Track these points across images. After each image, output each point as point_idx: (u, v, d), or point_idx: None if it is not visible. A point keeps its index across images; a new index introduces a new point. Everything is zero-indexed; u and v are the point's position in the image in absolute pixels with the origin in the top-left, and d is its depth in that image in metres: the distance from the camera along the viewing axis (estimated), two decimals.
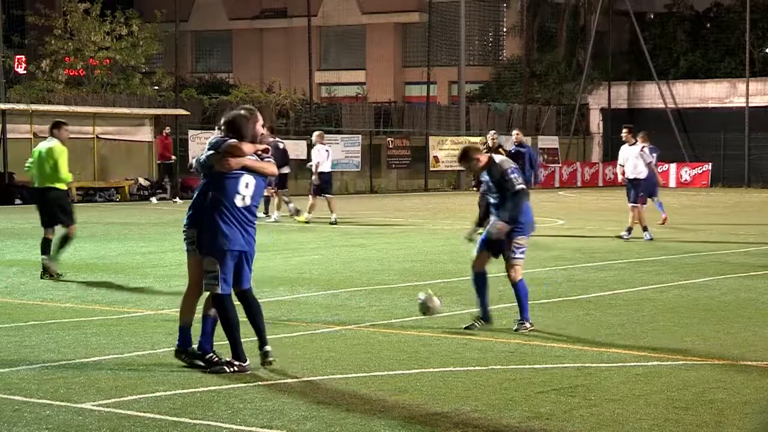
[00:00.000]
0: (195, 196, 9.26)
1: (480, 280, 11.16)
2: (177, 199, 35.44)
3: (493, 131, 23.30)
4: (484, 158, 11.09)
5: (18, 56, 44.30)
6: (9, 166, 34.83)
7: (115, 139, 37.36)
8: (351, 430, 7.20)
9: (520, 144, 23.29)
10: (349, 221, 26.51)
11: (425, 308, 10.89)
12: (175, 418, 7.43)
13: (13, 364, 9.17)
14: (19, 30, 48.85)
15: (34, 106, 35.97)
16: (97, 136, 36.66)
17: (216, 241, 8.92)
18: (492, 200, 11.21)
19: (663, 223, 24.57)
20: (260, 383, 8.52)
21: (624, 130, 22.80)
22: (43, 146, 15.19)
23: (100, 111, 37.33)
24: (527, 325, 10.94)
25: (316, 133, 26.78)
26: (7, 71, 39.17)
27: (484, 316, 11.08)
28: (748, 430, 7.31)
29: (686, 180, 51.10)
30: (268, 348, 9.08)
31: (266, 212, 26.24)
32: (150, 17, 45.11)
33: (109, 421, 7.35)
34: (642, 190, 21.85)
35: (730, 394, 8.25)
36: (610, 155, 54.63)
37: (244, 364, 8.92)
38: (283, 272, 15.93)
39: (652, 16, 60.41)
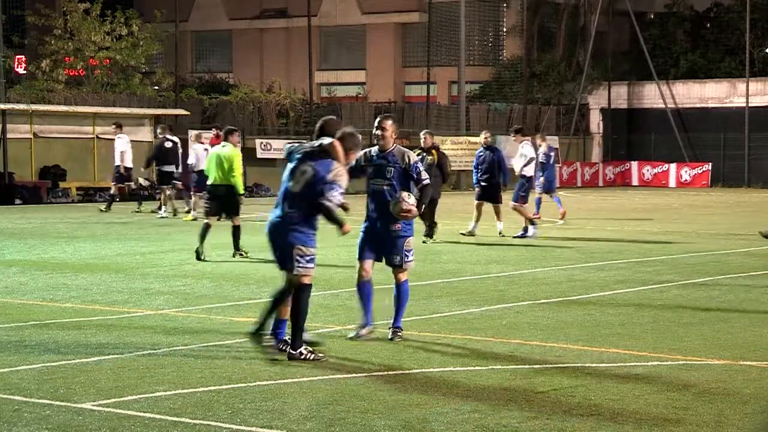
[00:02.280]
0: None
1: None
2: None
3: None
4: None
5: (18, 56, 44.34)
6: (9, 166, 34.82)
7: (114, 139, 37.31)
8: (351, 430, 7.20)
9: (488, 147, 22.39)
10: (349, 221, 26.47)
11: (395, 203, 10.48)
12: (175, 418, 7.43)
13: (13, 364, 9.17)
14: (19, 30, 48.88)
15: (34, 106, 35.98)
16: (97, 136, 36.65)
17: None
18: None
19: (562, 218, 25.72)
20: (260, 383, 8.52)
21: (512, 131, 23.72)
22: (219, 150, 18.01)
23: (100, 111, 37.32)
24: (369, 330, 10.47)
25: (193, 133, 27.70)
26: (8, 71, 39.19)
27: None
28: (748, 430, 7.31)
29: (686, 180, 51.10)
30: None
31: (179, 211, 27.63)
32: (150, 17, 45.13)
33: (109, 421, 7.35)
34: (523, 188, 22.53)
35: (730, 394, 8.25)
36: (611, 155, 54.74)
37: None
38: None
39: (652, 16, 60.40)
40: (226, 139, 18.19)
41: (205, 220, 17.99)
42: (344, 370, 9.07)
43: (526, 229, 21.96)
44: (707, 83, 53.85)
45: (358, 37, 66.62)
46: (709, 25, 59.10)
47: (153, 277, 15.38)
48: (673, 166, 50.82)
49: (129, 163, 30.38)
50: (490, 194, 22.00)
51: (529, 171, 22.96)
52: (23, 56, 45.20)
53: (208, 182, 18.19)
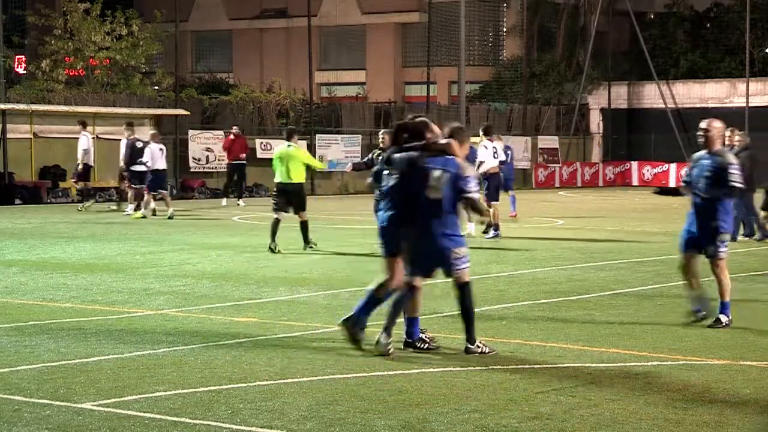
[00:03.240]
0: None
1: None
2: (241, 202, 34.42)
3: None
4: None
5: (18, 56, 44.32)
6: (9, 166, 34.81)
7: (115, 140, 37.26)
8: (351, 430, 7.20)
9: None
10: (349, 221, 26.51)
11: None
12: (174, 418, 7.43)
13: (13, 364, 9.17)
14: (20, 30, 48.86)
15: (34, 106, 35.95)
16: (97, 136, 36.61)
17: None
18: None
19: (513, 217, 25.91)
20: (260, 383, 8.52)
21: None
22: (285, 149, 19.20)
23: (100, 111, 37.29)
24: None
25: (150, 132, 28.27)
26: (8, 71, 39.16)
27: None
28: (748, 430, 7.31)
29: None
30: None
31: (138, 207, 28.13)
32: (150, 17, 45.10)
33: (109, 421, 7.35)
34: (487, 187, 22.31)
35: (730, 394, 8.25)
36: (610, 155, 54.73)
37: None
38: (284, 272, 15.93)
39: (652, 16, 60.40)
40: (289, 139, 19.42)
41: (275, 216, 19.00)
42: (344, 370, 9.07)
43: (496, 227, 21.77)
44: (707, 83, 53.87)
45: (358, 37, 66.61)
46: (709, 25, 59.11)
47: (153, 277, 15.38)
48: (673, 166, 50.79)
49: (91, 162, 31.26)
50: None
51: (487, 168, 22.37)
52: (23, 56, 45.17)
53: (275, 180, 19.21)
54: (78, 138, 30.98)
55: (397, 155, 10.04)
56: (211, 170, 39.68)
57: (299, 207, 19.17)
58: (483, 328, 11.15)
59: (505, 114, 52.37)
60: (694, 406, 7.86)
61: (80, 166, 30.82)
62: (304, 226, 19.24)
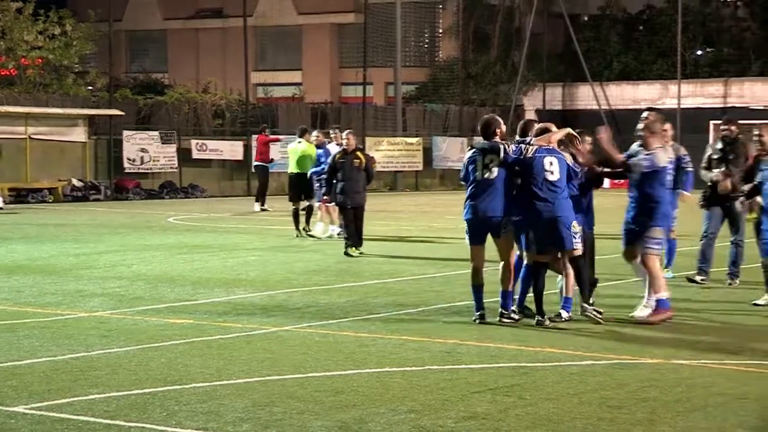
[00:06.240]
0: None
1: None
2: (263, 207, 31.05)
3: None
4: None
5: None
6: None
7: (48, 140, 36.91)
8: (288, 431, 7.19)
9: (320, 146, 21.37)
10: (287, 222, 26.41)
11: None
12: (109, 421, 7.36)
13: None
14: None
15: None
16: (30, 137, 36.19)
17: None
18: None
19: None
20: (196, 385, 8.47)
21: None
22: (296, 146, 22.32)
23: (32, 111, 36.83)
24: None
25: None
26: None
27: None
28: (680, 428, 7.40)
29: (620, 181, 51.53)
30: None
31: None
32: (83, 17, 44.61)
33: (41, 425, 7.27)
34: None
35: (662, 393, 8.35)
36: None
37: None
38: (220, 273, 15.86)
39: (586, 19, 60.93)
40: (301, 136, 22.34)
41: (293, 206, 21.90)
42: (281, 371, 9.05)
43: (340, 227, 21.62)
44: (640, 85, 54.45)
45: (294, 38, 66.45)
46: (641, 27, 59.76)
47: (87, 278, 15.23)
48: None
49: None
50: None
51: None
52: None
53: (289, 171, 22.42)
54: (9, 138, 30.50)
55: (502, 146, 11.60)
56: (146, 171, 39.37)
57: (307, 194, 21.72)
58: (420, 328, 11.20)
59: (442, 115, 52.55)
60: (628, 405, 7.95)
61: None
62: (309, 210, 21.85)
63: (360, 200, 18.64)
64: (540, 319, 11.41)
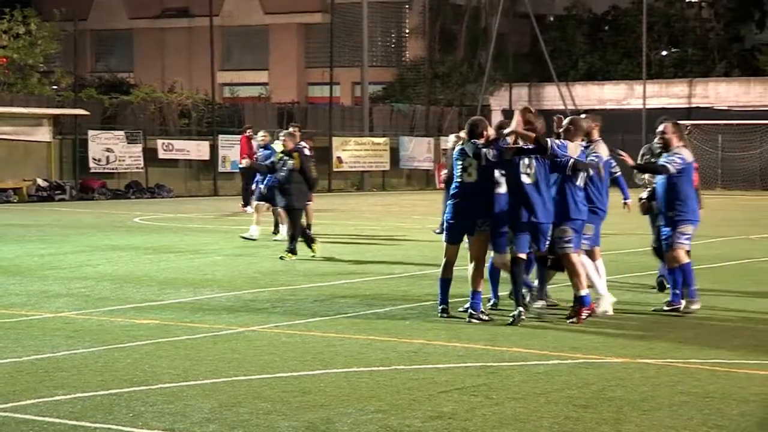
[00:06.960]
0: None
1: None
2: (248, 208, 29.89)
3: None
4: None
5: None
6: None
7: (12, 140, 36.66)
8: (254, 431, 7.18)
9: (266, 147, 21.64)
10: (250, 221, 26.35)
11: None
12: (75, 422, 7.33)
13: None
14: None
15: None
16: None
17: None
18: None
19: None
20: (162, 386, 8.44)
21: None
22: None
23: None
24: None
25: None
26: None
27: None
28: (646, 427, 7.44)
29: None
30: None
31: None
32: (48, 16, 44.34)
33: (6, 426, 7.22)
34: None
35: (628, 392, 8.39)
36: None
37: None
38: (186, 273, 15.81)
39: (551, 19, 61.20)
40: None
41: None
42: (247, 371, 9.04)
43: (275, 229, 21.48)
44: (605, 85, 54.71)
45: (260, 38, 66.35)
46: (607, 27, 60.08)
47: (52, 279, 15.14)
48: None
49: None
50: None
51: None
52: None
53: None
54: None
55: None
56: (111, 171, 39.17)
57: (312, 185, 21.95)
58: (387, 328, 11.20)
59: (408, 115, 52.60)
60: (594, 404, 7.98)
61: None
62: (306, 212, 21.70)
63: (292, 203, 17.90)
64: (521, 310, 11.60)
